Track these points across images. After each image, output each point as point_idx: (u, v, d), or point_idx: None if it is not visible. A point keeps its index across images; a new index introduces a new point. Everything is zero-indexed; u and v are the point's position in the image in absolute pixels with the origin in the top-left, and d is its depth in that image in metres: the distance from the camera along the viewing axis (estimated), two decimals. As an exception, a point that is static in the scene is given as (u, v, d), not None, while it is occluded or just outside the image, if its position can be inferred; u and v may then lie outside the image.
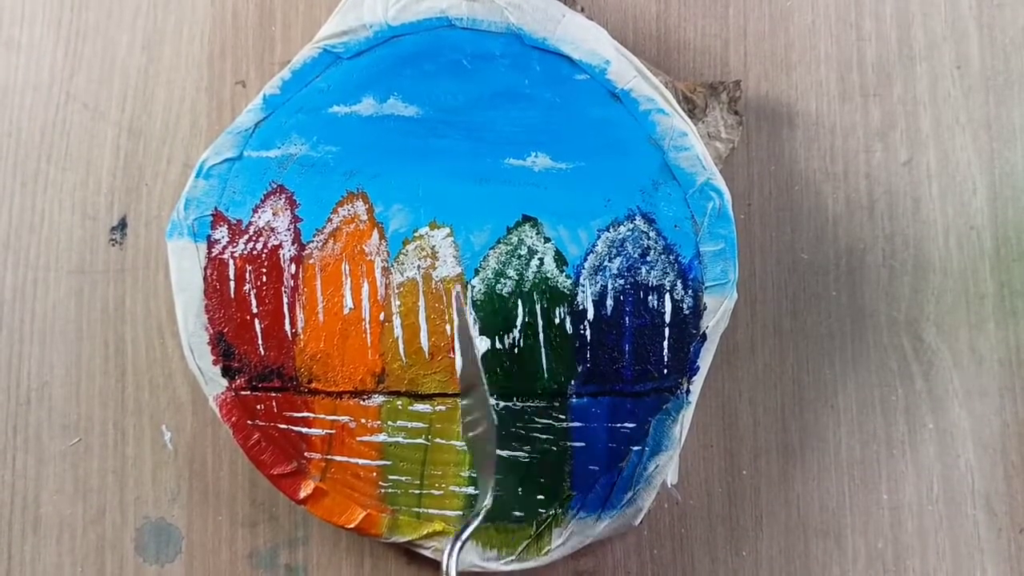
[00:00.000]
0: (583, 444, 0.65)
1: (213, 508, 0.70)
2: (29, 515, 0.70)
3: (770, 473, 0.70)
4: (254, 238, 0.65)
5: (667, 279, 0.64)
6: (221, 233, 0.65)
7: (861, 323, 0.71)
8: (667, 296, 0.64)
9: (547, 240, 0.65)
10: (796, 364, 0.71)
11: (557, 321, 0.65)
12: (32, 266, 0.71)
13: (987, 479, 0.70)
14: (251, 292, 0.65)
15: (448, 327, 0.65)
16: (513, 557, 0.65)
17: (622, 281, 0.65)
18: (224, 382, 0.65)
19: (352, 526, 0.65)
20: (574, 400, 0.65)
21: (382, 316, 0.65)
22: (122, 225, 0.72)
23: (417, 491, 0.65)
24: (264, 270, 0.65)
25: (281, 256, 0.65)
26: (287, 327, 0.65)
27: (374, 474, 0.65)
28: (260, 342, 0.65)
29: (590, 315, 0.65)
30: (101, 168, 0.72)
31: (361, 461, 0.65)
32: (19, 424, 0.71)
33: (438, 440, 0.65)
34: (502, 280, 0.65)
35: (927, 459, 0.70)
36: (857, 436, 0.70)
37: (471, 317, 0.65)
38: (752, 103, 0.72)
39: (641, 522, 0.66)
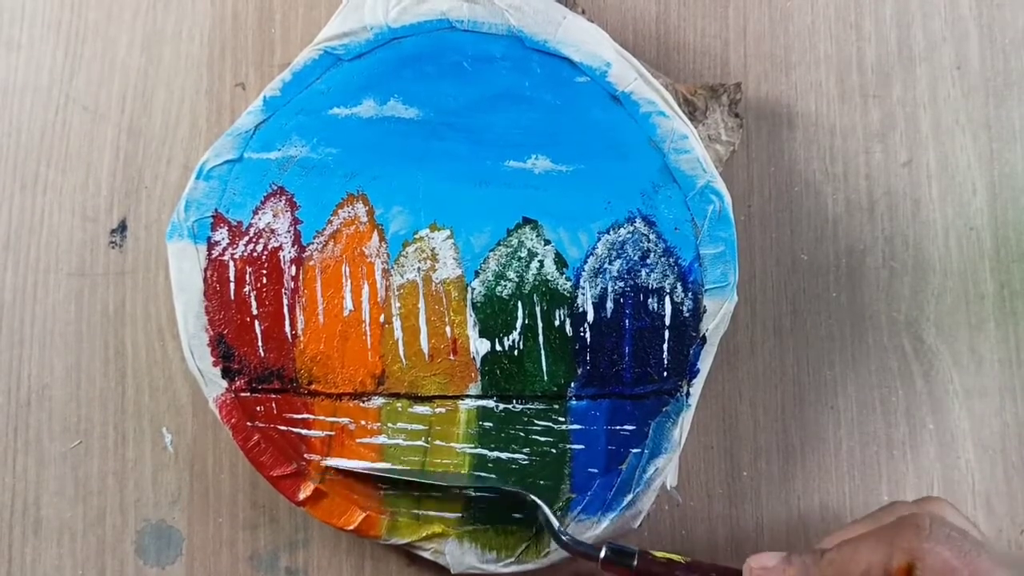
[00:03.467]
0: (583, 446, 0.65)
1: (214, 510, 0.70)
2: (29, 517, 0.70)
3: (771, 474, 0.70)
4: (254, 240, 0.65)
5: (667, 282, 0.64)
6: (221, 235, 0.65)
7: (861, 324, 0.71)
8: (667, 299, 0.64)
9: (547, 242, 0.65)
10: (796, 365, 0.71)
11: (557, 323, 0.65)
12: (32, 268, 0.71)
13: (987, 479, 0.70)
14: (251, 294, 0.65)
15: (448, 329, 0.65)
16: (512, 559, 0.65)
17: (622, 283, 0.65)
18: (224, 383, 0.65)
19: (351, 528, 0.65)
20: (574, 402, 0.65)
21: (382, 318, 0.65)
22: (122, 227, 0.72)
23: (416, 493, 0.65)
24: (264, 272, 0.65)
25: (281, 258, 0.65)
26: (287, 329, 0.65)
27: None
28: (260, 344, 0.65)
29: (590, 317, 0.65)
30: (101, 170, 0.72)
31: (361, 463, 0.65)
32: (19, 426, 0.71)
33: (437, 442, 0.65)
34: (502, 282, 0.65)
35: (927, 459, 0.70)
36: (857, 437, 0.71)
37: (471, 319, 0.65)
38: (752, 104, 0.72)
39: (640, 525, 0.66)
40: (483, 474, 0.65)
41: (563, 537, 0.62)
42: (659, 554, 0.60)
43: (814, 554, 0.56)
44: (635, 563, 0.60)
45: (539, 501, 0.63)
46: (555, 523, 0.62)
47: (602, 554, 0.60)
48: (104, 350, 0.71)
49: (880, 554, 0.53)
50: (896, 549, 0.53)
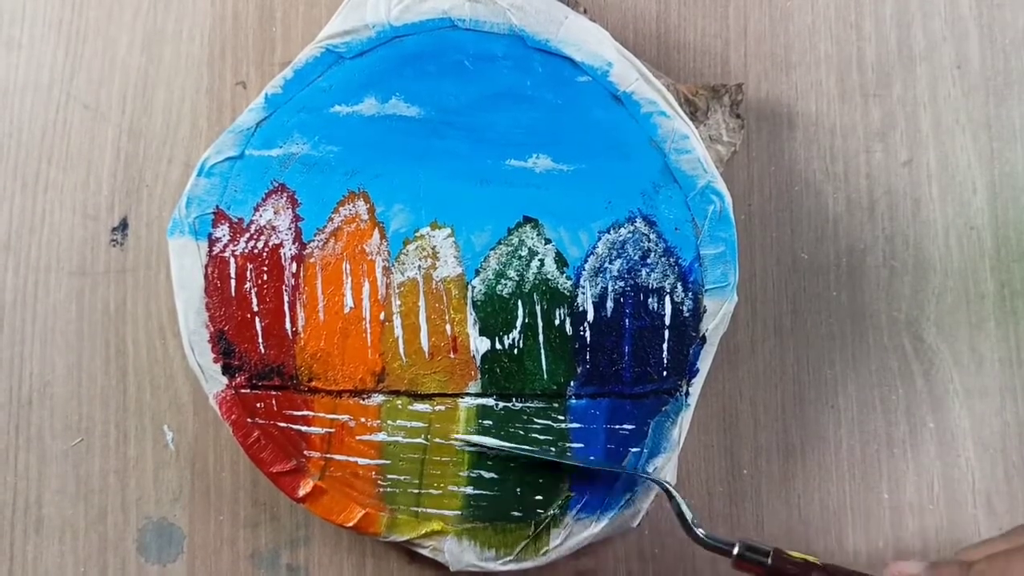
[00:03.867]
0: (582, 445, 0.65)
1: (215, 508, 0.70)
2: (31, 515, 0.70)
3: (771, 473, 0.70)
4: (255, 236, 0.65)
5: (667, 281, 0.64)
6: (222, 231, 0.65)
7: (861, 323, 0.71)
8: (667, 298, 0.65)
9: (548, 241, 0.65)
10: (796, 364, 0.71)
11: (557, 322, 0.65)
12: (33, 267, 0.71)
13: (987, 478, 0.70)
14: (252, 290, 0.65)
15: (448, 327, 0.65)
16: (511, 557, 0.65)
17: (622, 283, 0.65)
18: (224, 380, 0.65)
19: (350, 524, 0.65)
20: (573, 401, 0.65)
21: (382, 316, 0.65)
22: (123, 226, 0.72)
23: (416, 490, 0.65)
24: (265, 269, 0.65)
25: (282, 255, 0.65)
26: (287, 326, 0.65)
27: (373, 473, 0.65)
28: (260, 340, 0.65)
29: (590, 316, 0.65)
30: (102, 169, 0.72)
31: (360, 460, 0.65)
32: (21, 424, 0.71)
33: (437, 440, 0.65)
34: (503, 281, 0.65)
35: (927, 459, 0.70)
36: (857, 436, 0.71)
37: (471, 317, 0.65)
38: (752, 103, 0.72)
39: (639, 523, 0.66)
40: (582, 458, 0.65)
41: (698, 531, 0.62)
42: (795, 554, 0.60)
43: (961, 566, 0.56)
44: (769, 561, 0.60)
45: (674, 491, 0.63)
46: (689, 515, 0.62)
47: (735, 551, 0.60)
48: (105, 348, 0.71)
49: None
50: None
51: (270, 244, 0.65)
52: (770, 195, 0.72)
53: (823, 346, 0.71)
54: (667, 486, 0.63)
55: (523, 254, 0.65)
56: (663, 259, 0.65)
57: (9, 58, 0.73)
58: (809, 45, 0.73)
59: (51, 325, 0.71)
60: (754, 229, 0.72)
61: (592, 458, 0.65)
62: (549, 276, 0.65)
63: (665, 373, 0.65)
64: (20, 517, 0.70)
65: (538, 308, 0.65)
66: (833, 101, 0.72)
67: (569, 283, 0.65)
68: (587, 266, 0.65)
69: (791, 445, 0.71)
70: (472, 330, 0.65)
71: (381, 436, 0.65)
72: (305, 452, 0.65)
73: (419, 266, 0.65)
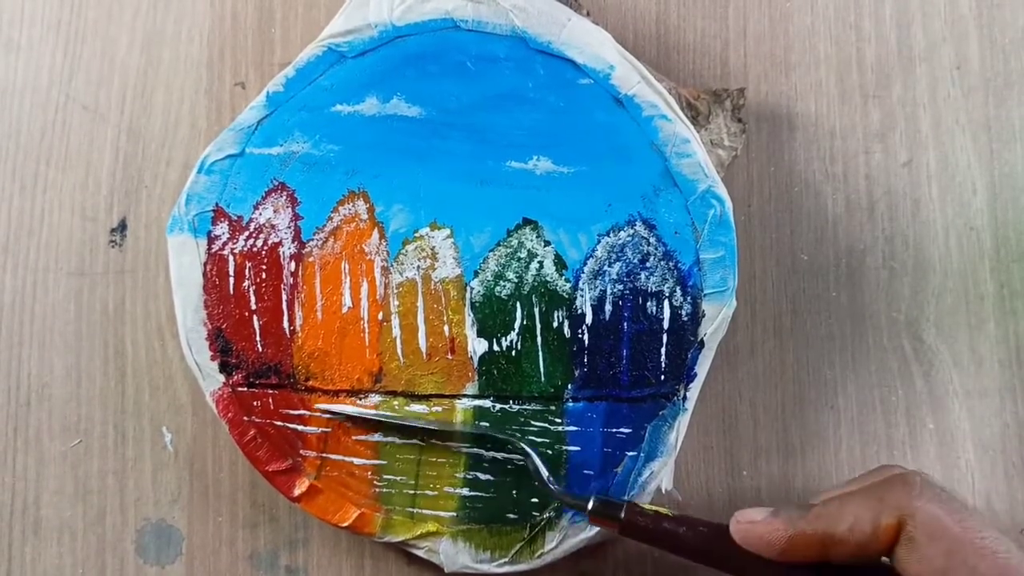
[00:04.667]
0: (578, 448, 0.65)
1: (213, 509, 0.70)
2: (29, 517, 0.70)
3: (771, 474, 0.70)
4: (254, 235, 0.65)
5: (666, 285, 0.64)
6: (222, 229, 0.65)
7: (861, 324, 0.71)
8: (666, 302, 0.64)
9: (547, 243, 0.65)
10: (796, 365, 0.71)
11: (555, 325, 0.65)
12: (31, 268, 0.71)
13: (987, 479, 0.70)
14: (250, 289, 0.65)
15: (446, 328, 0.65)
16: (506, 559, 0.65)
17: (621, 286, 0.65)
18: (221, 378, 0.65)
19: (346, 524, 0.65)
20: (570, 404, 0.65)
21: (380, 316, 0.65)
22: (122, 227, 0.72)
23: (411, 491, 0.65)
24: (264, 267, 0.65)
25: (281, 253, 0.65)
26: (285, 324, 0.65)
27: (369, 473, 0.65)
28: (258, 339, 0.65)
29: (588, 319, 0.65)
30: (100, 170, 0.72)
31: (356, 460, 0.65)
32: (19, 426, 0.71)
33: (433, 441, 0.65)
34: (501, 282, 0.65)
35: (927, 460, 0.70)
36: (857, 437, 0.70)
37: (469, 319, 0.65)
38: (752, 104, 0.72)
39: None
40: (480, 443, 0.65)
41: (552, 487, 0.62)
42: (647, 506, 0.60)
43: (801, 508, 0.56)
44: (622, 515, 0.59)
45: (528, 449, 0.63)
46: (544, 472, 0.62)
47: (590, 505, 0.60)
48: (104, 349, 0.71)
49: (869, 510, 0.53)
50: (886, 506, 0.53)
51: (269, 242, 0.65)
52: (770, 196, 0.72)
53: (823, 347, 0.71)
54: (521, 445, 0.64)
55: (522, 256, 0.65)
56: (662, 263, 0.64)
57: (8, 59, 0.73)
58: (809, 46, 0.73)
59: (49, 326, 0.71)
60: (754, 230, 0.71)
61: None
62: (548, 278, 0.65)
63: (663, 377, 0.64)
64: (18, 518, 0.70)
65: (536, 310, 0.65)
66: (833, 102, 0.72)
67: (568, 286, 0.65)
68: (586, 269, 0.65)
69: (791, 446, 0.71)
70: (470, 331, 0.65)
71: (377, 436, 0.65)
72: (301, 451, 0.65)
73: (418, 266, 0.65)
